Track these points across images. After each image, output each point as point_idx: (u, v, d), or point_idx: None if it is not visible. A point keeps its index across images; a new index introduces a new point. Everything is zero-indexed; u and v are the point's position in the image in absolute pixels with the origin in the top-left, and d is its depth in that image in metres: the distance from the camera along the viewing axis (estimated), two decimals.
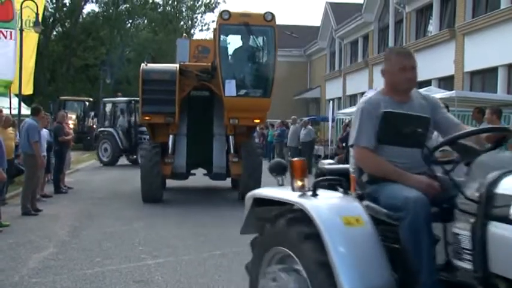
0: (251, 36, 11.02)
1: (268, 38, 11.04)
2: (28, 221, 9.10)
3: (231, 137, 11.69)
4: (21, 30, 15.39)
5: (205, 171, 12.56)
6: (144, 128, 15.29)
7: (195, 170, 12.65)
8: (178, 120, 11.30)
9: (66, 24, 45.03)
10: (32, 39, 16.33)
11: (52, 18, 42.70)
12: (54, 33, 44.93)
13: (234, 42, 11.42)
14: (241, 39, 11.26)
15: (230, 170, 11.72)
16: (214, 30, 11.96)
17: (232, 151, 11.61)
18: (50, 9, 41.77)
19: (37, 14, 15.88)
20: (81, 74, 44.66)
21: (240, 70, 11.31)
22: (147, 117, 11.39)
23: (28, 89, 16.24)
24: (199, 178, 13.24)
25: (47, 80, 40.81)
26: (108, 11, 46.90)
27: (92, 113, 29.65)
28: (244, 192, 9.41)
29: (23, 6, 15.47)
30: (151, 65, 11.87)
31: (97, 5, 47.97)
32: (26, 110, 19.64)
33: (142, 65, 11.50)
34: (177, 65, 11.55)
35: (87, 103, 29.55)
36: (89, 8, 52.32)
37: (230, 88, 10.61)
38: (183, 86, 11.40)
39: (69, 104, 28.49)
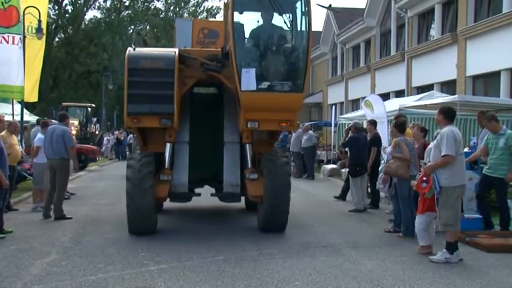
0: (275, 11, 8.18)
1: (298, 13, 8.30)
2: (31, 227, 9.08)
3: (247, 146, 8.69)
4: (24, 37, 15.44)
5: (213, 190, 9.59)
6: None
7: (200, 189, 9.59)
8: (177, 124, 8.38)
9: (69, 30, 45.27)
10: (35, 46, 16.36)
11: (54, 25, 42.87)
12: (57, 39, 45.10)
13: (252, 20, 8.52)
14: (262, 16, 8.37)
15: (246, 189, 8.67)
16: (225, 5, 8.92)
17: (249, 165, 8.62)
18: (52, 16, 41.94)
19: (39, 21, 15.96)
20: (83, 80, 44.85)
21: (262, 56, 8.25)
22: (135, 120, 8.18)
23: (33, 97, 16.27)
24: (205, 198, 10.15)
25: (49, 86, 40.93)
26: (110, 17, 47.14)
27: (95, 119, 29.71)
28: (266, 225, 8.50)
29: (25, 12, 15.53)
30: (141, 50, 8.73)
31: (99, 11, 48.28)
32: (28, 117, 19.72)
33: (129, 50, 8.43)
34: (176, 50, 8.57)
35: (89, 109, 29.56)
36: (91, 14, 52.81)
37: (248, 80, 7.86)
38: (184, 79, 8.66)
39: (71, 110, 28.47)
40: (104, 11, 48.12)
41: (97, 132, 29.89)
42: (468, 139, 11.42)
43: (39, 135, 10.93)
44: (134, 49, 8.44)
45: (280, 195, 8.18)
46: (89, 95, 42.07)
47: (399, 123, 8.78)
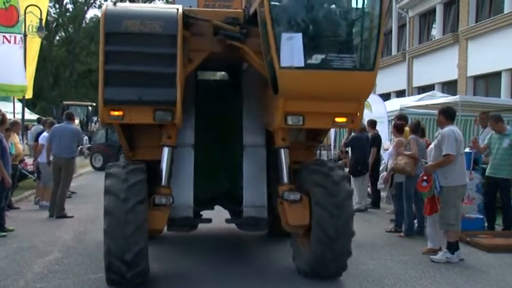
0: None
1: None
2: (32, 225, 9.10)
3: (283, 152, 5.95)
4: (25, 36, 15.49)
5: (225, 213, 7.31)
6: None
7: (210, 212, 7.11)
8: (181, 119, 5.58)
9: (69, 29, 45.25)
10: (34, 44, 16.42)
11: (55, 23, 42.90)
12: (57, 38, 45.12)
13: None
14: None
15: (280, 214, 6.05)
16: None
17: (285, 179, 5.93)
18: (53, 14, 41.98)
19: (41, 20, 16.02)
20: (84, 79, 44.80)
21: (311, 17, 5.56)
22: (115, 112, 5.42)
23: (28, 93, 16.32)
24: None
25: (50, 85, 40.96)
26: None
27: (95, 118, 29.67)
28: (316, 268, 5.66)
29: (26, 11, 15.58)
30: (125, 5, 5.88)
31: (100, 10, 48.16)
32: (28, 115, 19.79)
33: (107, 5, 5.65)
34: (179, 7, 5.67)
35: (90, 108, 29.61)
36: (92, 13, 52.63)
37: (292, 52, 5.19)
38: (188, 52, 5.77)
39: (72, 108, 28.47)
40: None
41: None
42: (470, 140, 11.43)
43: (45, 134, 10.95)
44: (115, 3, 5.57)
45: (340, 228, 5.54)
46: (89, 94, 42.03)
47: (414, 124, 8.79)
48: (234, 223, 6.97)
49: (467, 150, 8.59)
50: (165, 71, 5.39)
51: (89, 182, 16.54)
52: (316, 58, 5.48)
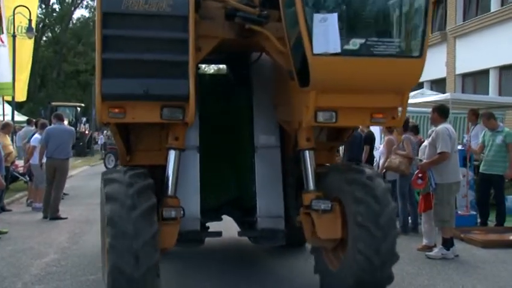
0: None
1: None
2: (26, 227, 9.04)
3: (308, 154, 5.16)
4: (14, 36, 15.37)
5: (236, 224, 6.63)
6: None
7: (218, 224, 6.31)
8: (194, 117, 4.73)
9: (56, 29, 44.93)
10: (26, 46, 16.32)
11: (42, 24, 42.54)
12: (44, 38, 44.77)
13: None
14: None
15: (304, 226, 5.20)
16: None
17: (311, 185, 5.11)
18: (39, 15, 41.61)
19: (30, 20, 15.90)
20: (71, 80, 44.49)
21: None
22: (115, 109, 4.61)
23: (22, 96, 16.22)
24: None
25: (37, 86, 40.62)
26: None
27: (84, 119, 29.57)
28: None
29: (15, 12, 15.46)
30: None
31: (87, 10, 47.90)
32: (17, 117, 19.62)
33: None
34: None
35: (79, 109, 29.44)
36: (79, 13, 52.30)
37: (326, 36, 4.45)
38: (197, 39, 4.77)
39: (60, 109, 28.30)
40: (93, 10, 47.75)
41: (87, 132, 29.77)
42: (462, 137, 11.56)
43: (37, 136, 10.88)
44: None
45: (383, 252, 4.69)
46: (77, 95, 41.79)
47: (405, 122, 8.84)
48: (247, 236, 6.15)
49: (459, 147, 8.69)
50: (175, 59, 4.54)
51: (80, 183, 16.47)
52: (355, 43, 4.61)
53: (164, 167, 4.97)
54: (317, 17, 4.45)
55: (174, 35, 4.58)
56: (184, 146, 5.03)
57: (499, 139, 8.32)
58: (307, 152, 5.14)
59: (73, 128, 10.48)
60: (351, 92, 4.69)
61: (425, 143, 7.53)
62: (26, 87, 16.80)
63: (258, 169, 5.74)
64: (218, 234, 5.78)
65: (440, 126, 6.98)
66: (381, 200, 4.76)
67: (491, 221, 8.65)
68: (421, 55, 4.69)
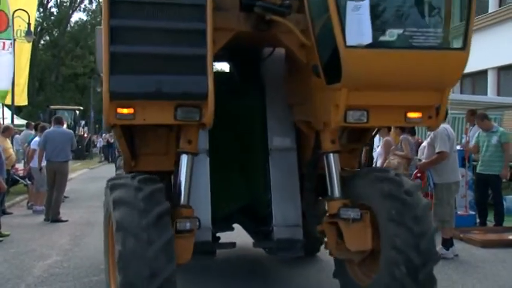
0: None
1: None
2: (27, 230, 9.08)
3: (332, 158, 4.72)
4: (14, 40, 15.42)
5: (248, 234, 6.16)
6: None
7: (230, 234, 5.83)
8: (212, 117, 4.20)
9: (54, 33, 44.99)
10: (25, 50, 16.36)
11: (40, 27, 42.59)
12: (42, 42, 44.83)
13: None
14: None
15: (328, 238, 4.83)
16: None
17: (336, 192, 4.68)
18: (37, 18, 41.66)
19: (29, 24, 15.94)
20: (69, 83, 44.55)
21: None
22: (124, 109, 4.06)
23: (22, 100, 16.25)
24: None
25: (35, 90, 40.65)
26: (96, 19, 46.86)
27: (83, 122, 29.64)
28: None
29: (14, 16, 15.50)
30: None
31: (85, 13, 48.02)
32: (16, 120, 19.65)
33: None
34: None
35: (77, 112, 29.52)
36: (77, 16, 52.42)
37: (360, 25, 4.05)
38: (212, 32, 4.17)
39: (59, 113, 28.38)
40: (90, 13, 47.90)
41: (85, 135, 29.84)
42: (460, 137, 11.62)
43: (37, 139, 10.92)
44: None
45: (423, 250, 4.20)
46: (76, 98, 41.86)
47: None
48: (262, 247, 5.68)
49: (458, 147, 8.75)
50: (191, 53, 4.05)
51: (80, 186, 16.50)
52: (392, 34, 4.14)
53: (171, 173, 4.59)
54: (350, 5, 3.98)
55: (190, 25, 4.06)
56: (197, 150, 4.54)
57: (494, 139, 8.40)
58: (331, 155, 4.67)
59: (71, 131, 10.54)
60: (384, 89, 4.20)
61: (424, 143, 7.59)
62: (26, 91, 16.82)
63: (272, 174, 5.21)
64: (232, 245, 5.23)
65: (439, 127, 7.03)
66: (412, 194, 4.35)
67: (490, 221, 8.70)
68: (465, 47, 4.21)
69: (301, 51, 4.61)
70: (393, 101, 4.30)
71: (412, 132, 9.07)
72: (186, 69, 4.02)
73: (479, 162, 8.68)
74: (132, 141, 4.90)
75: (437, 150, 6.91)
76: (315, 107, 4.71)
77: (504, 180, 8.93)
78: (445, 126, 7.05)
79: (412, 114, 4.44)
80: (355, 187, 4.68)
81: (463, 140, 10.16)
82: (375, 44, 4.04)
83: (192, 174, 4.51)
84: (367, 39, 4.02)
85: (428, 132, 8.01)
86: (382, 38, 4.10)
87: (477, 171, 8.73)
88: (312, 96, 4.72)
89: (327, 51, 4.24)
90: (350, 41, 3.96)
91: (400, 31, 4.13)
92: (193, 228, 4.30)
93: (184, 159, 4.43)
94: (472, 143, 8.97)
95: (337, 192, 4.65)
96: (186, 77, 4.02)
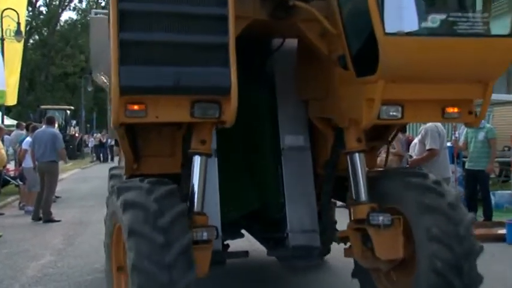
0: None
1: None
2: (20, 230, 9.06)
3: (357, 158, 4.28)
4: (2, 40, 15.33)
5: (259, 241, 5.59)
6: None
7: (240, 241, 5.48)
8: (235, 115, 3.69)
9: (43, 32, 44.72)
10: (15, 50, 16.26)
11: (29, 26, 42.34)
12: (31, 41, 44.56)
13: None
14: None
15: (353, 246, 4.41)
16: None
17: (363, 195, 4.23)
18: (26, 17, 41.42)
19: (18, 24, 15.86)
20: (60, 83, 44.33)
21: None
22: (134, 106, 3.52)
23: (11, 100, 16.18)
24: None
25: (25, 89, 40.43)
26: (86, 18, 46.70)
27: (74, 122, 29.54)
28: None
29: (3, 15, 15.42)
30: None
31: (75, 12, 47.83)
32: (6, 120, 19.54)
33: None
34: None
35: (68, 112, 29.41)
36: (66, 15, 52.15)
37: (400, 10, 3.74)
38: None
39: (50, 112, 28.27)
40: (80, 12, 47.69)
41: (76, 135, 29.75)
42: (450, 134, 11.74)
43: (28, 139, 10.89)
44: None
45: (466, 273, 3.85)
46: (66, 98, 41.66)
47: None
48: (277, 256, 5.04)
49: (448, 144, 8.86)
50: (212, 42, 3.58)
51: (72, 186, 16.50)
52: (434, 20, 3.67)
53: (177, 176, 4.20)
54: None
55: (210, 10, 3.59)
56: (211, 151, 4.09)
57: (481, 135, 8.53)
58: (357, 154, 4.24)
59: (56, 131, 10.41)
60: (423, 81, 3.75)
61: (415, 140, 7.67)
62: (17, 91, 16.75)
63: (286, 175, 4.78)
64: (244, 254, 4.84)
65: (429, 124, 7.12)
66: (465, 241, 3.86)
67: (480, 216, 8.81)
68: None
69: (322, 41, 4.21)
70: (431, 95, 3.84)
71: (402, 129, 9.16)
72: (205, 59, 3.55)
73: (468, 159, 8.81)
74: (134, 142, 4.44)
75: (427, 147, 7.00)
76: (339, 102, 4.24)
77: (493, 175, 9.05)
78: (435, 123, 7.14)
79: (450, 110, 3.98)
80: (381, 189, 4.25)
81: (453, 137, 10.29)
82: (417, 31, 3.63)
83: (205, 177, 4.07)
84: (409, 25, 3.61)
85: (420, 129, 8.11)
86: (423, 25, 3.65)
87: (466, 167, 8.85)
88: (335, 90, 4.27)
89: (358, 40, 3.87)
90: (389, 28, 3.50)
91: (443, 17, 3.66)
92: (211, 238, 3.85)
93: (197, 161, 3.98)
94: (462, 139, 9.09)
95: (363, 196, 4.21)
96: (206, 69, 3.54)
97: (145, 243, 3.35)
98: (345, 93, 4.14)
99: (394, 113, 3.84)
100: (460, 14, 3.68)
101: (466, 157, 9.28)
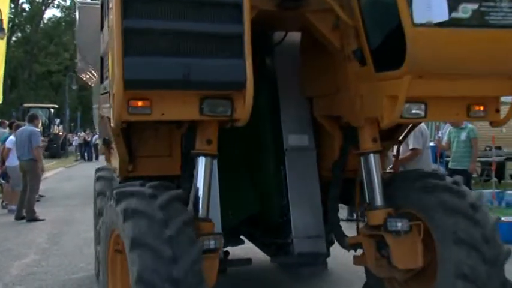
0: None
1: None
2: (3, 229, 9.00)
3: (372, 159, 3.96)
4: None
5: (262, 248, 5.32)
6: None
7: (242, 248, 5.32)
8: (249, 113, 3.37)
9: (26, 29, 44.23)
10: (0, 47, 16.03)
11: (11, 24, 41.86)
12: (14, 38, 44.05)
13: None
14: None
15: (366, 254, 4.10)
16: None
17: (378, 199, 3.93)
18: (9, 15, 40.96)
19: (1, 20, 15.65)
20: (43, 81, 43.91)
21: None
22: (139, 103, 3.16)
23: None
24: None
25: (8, 87, 39.97)
26: (70, 15, 46.29)
27: (58, 120, 29.30)
28: None
29: None
30: None
31: (58, 9, 47.43)
32: None
33: None
34: None
35: (52, 110, 29.15)
36: (50, 13, 51.67)
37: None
38: None
39: (33, 111, 27.99)
40: (64, 10, 47.26)
41: (60, 134, 29.51)
42: (434, 134, 11.89)
43: (12, 138, 10.80)
44: None
45: (494, 277, 3.57)
46: (50, 96, 41.28)
47: None
48: (281, 263, 4.84)
49: (432, 144, 8.98)
50: (224, 31, 3.24)
51: (56, 185, 16.38)
52: (465, 9, 3.37)
53: (176, 178, 4.02)
54: None
55: None
56: (217, 152, 3.76)
57: (463, 135, 8.68)
58: (372, 155, 3.95)
59: (34, 128, 10.30)
60: (451, 77, 3.44)
61: None
62: (1, 89, 16.52)
63: (289, 177, 4.51)
64: (247, 262, 4.49)
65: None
66: (493, 245, 3.59)
67: None
68: None
69: (334, 34, 3.91)
70: (458, 91, 3.53)
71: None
72: (217, 51, 3.22)
73: (451, 158, 8.96)
74: (129, 141, 4.13)
75: (410, 147, 7.06)
76: (352, 99, 3.91)
77: (475, 175, 9.20)
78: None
79: (476, 108, 3.67)
80: (396, 192, 3.97)
81: (436, 136, 10.43)
82: (447, 22, 3.28)
83: (211, 180, 3.75)
84: (439, 15, 3.26)
85: None
86: (454, 15, 3.31)
87: (449, 166, 8.99)
88: (347, 86, 3.95)
89: (378, 32, 3.58)
90: (418, 18, 3.21)
91: (475, 6, 3.35)
92: (219, 247, 3.58)
93: (202, 162, 3.66)
94: (445, 139, 9.23)
95: (379, 200, 3.90)
96: (218, 61, 3.21)
97: (151, 255, 3.05)
98: (360, 89, 3.81)
99: (418, 111, 3.51)
100: (492, 4, 3.37)
101: (449, 157, 9.43)
